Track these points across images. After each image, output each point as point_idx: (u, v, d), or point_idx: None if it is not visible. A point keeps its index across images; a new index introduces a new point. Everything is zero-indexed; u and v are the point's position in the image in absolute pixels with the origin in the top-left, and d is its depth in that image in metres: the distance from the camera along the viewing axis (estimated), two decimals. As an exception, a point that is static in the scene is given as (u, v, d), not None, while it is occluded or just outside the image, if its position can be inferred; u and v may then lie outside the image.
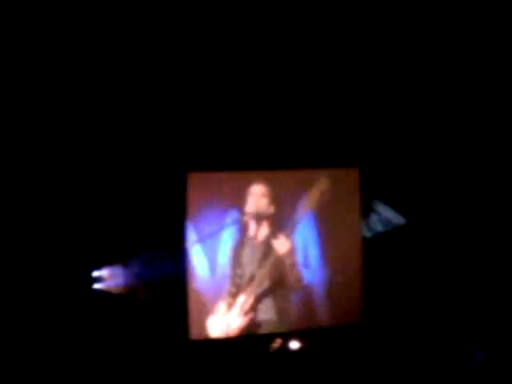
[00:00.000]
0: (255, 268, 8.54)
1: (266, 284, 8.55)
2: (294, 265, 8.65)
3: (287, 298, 8.61)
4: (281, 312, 8.56)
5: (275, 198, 8.62)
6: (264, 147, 8.62)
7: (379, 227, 8.96)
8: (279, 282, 8.59)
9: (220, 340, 8.36)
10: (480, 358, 8.30)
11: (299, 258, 8.68)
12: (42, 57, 7.81)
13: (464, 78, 8.78)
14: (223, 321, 8.37)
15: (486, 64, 8.69)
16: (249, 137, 8.59)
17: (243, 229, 8.54)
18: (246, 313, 8.43)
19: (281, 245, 8.62)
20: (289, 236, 8.65)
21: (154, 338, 8.19)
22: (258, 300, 8.50)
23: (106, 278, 8.23)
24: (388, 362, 8.47)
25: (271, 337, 8.47)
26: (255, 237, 8.58)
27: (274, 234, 8.61)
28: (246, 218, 8.52)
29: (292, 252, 8.66)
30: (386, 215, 8.96)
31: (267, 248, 8.59)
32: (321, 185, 8.73)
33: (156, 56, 8.18)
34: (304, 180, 8.79)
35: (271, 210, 8.59)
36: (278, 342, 8.41)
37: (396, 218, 8.95)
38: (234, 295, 8.42)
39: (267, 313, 8.53)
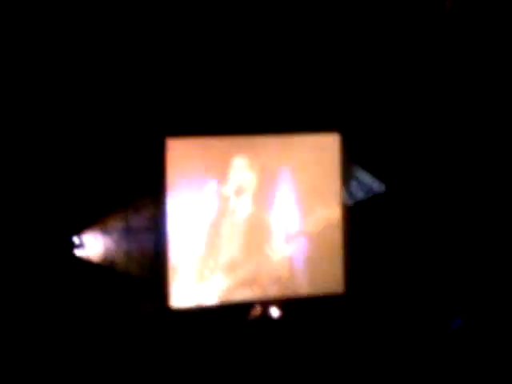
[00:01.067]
0: (234, 239, 8.47)
1: (244, 254, 8.49)
2: (274, 235, 8.60)
3: (267, 268, 8.56)
4: (261, 281, 8.52)
5: (256, 168, 8.53)
6: (245, 112, 8.51)
7: (360, 194, 8.91)
8: (259, 252, 8.54)
9: (199, 309, 8.30)
10: (459, 324, 8.37)
11: (280, 227, 8.62)
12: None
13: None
14: (202, 290, 8.32)
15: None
16: (229, 101, 8.46)
17: (223, 201, 8.44)
18: (225, 282, 8.39)
19: (262, 216, 8.55)
20: (270, 206, 8.57)
21: (133, 307, 8.13)
22: (237, 269, 8.45)
23: (86, 244, 8.11)
24: (371, 332, 8.51)
25: (251, 305, 8.42)
26: (235, 210, 8.48)
27: (255, 205, 8.54)
28: (226, 191, 8.42)
29: (273, 222, 8.61)
30: (367, 182, 8.91)
31: (248, 220, 8.52)
32: (302, 150, 8.65)
33: (135, 21, 8.03)
34: (285, 145, 8.67)
35: (253, 182, 8.51)
36: (257, 310, 8.37)
37: (377, 185, 8.91)
38: (212, 265, 8.36)
39: (246, 282, 8.48)
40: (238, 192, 8.48)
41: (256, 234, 8.58)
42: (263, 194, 8.56)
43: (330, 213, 8.77)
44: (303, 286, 8.65)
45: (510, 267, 8.70)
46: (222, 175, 8.47)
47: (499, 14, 8.62)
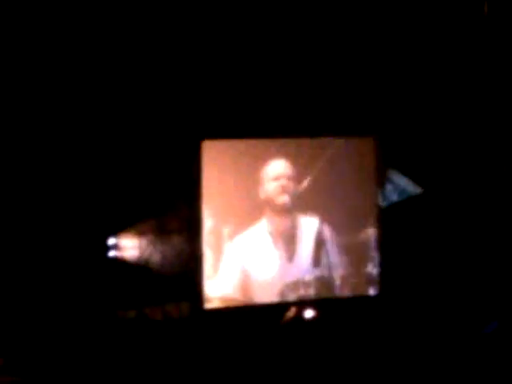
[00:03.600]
0: (269, 241, 8.52)
1: (278, 255, 8.52)
2: (309, 237, 8.60)
3: (303, 270, 8.56)
4: (299, 283, 8.51)
5: (292, 172, 8.54)
6: (279, 115, 8.52)
7: (395, 197, 8.87)
8: (294, 254, 8.55)
9: (234, 309, 8.30)
10: (494, 328, 8.26)
11: (316, 229, 8.61)
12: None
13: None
14: (236, 291, 8.34)
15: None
16: (265, 104, 8.49)
17: (258, 204, 8.48)
18: (260, 284, 8.41)
19: (297, 219, 8.57)
20: (305, 209, 8.58)
21: (168, 308, 8.16)
22: (272, 272, 8.47)
23: (121, 246, 8.18)
24: (404, 334, 8.42)
25: (286, 306, 8.39)
26: (270, 213, 8.50)
27: (290, 208, 8.54)
28: (261, 194, 8.47)
29: (308, 225, 8.61)
30: (402, 184, 8.87)
31: (283, 223, 8.55)
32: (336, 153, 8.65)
33: (166, 24, 8.12)
34: (321, 149, 8.67)
35: (289, 186, 8.51)
36: (292, 311, 8.33)
37: (411, 188, 8.86)
38: (246, 267, 8.41)
39: (281, 284, 8.49)
40: (274, 195, 8.48)
41: (291, 236, 8.57)
42: (298, 198, 8.54)
43: (366, 215, 8.75)
44: (338, 288, 8.62)
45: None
46: (256, 178, 8.48)
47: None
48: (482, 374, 7.76)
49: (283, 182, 8.45)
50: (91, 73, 8.01)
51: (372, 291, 8.72)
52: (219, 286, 8.29)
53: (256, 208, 8.45)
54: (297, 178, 8.52)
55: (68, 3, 7.76)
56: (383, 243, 8.74)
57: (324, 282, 8.57)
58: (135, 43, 8.08)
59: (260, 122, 8.46)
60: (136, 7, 7.97)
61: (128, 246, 8.22)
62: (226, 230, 8.33)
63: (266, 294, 8.44)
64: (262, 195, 8.45)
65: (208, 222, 8.26)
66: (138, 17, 8.01)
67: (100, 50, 7.99)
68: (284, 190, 8.45)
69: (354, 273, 8.66)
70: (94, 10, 7.84)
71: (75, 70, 7.95)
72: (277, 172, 8.48)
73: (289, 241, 8.54)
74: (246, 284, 8.38)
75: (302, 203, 8.54)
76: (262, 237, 8.48)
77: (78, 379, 7.52)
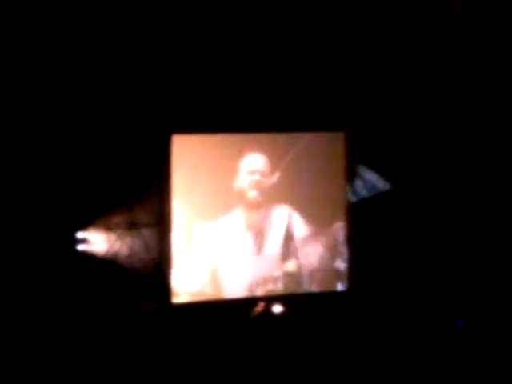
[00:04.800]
0: (238, 236, 8.54)
1: (248, 251, 8.54)
2: (279, 232, 8.63)
3: (271, 265, 8.58)
4: (267, 277, 8.53)
5: (263, 166, 8.55)
6: (251, 109, 8.51)
7: (364, 192, 8.90)
8: (263, 249, 8.58)
9: (202, 304, 8.30)
10: (461, 323, 8.35)
11: (285, 224, 8.64)
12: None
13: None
14: (205, 286, 8.34)
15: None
16: (235, 99, 8.47)
17: (228, 198, 8.48)
18: (228, 279, 8.43)
19: (266, 213, 8.58)
20: (274, 204, 8.61)
21: (136, 302, 8.15)
22: (241, 267, 8.49)
23: (90, 240, 8.14)
24: (374, 329, 8.50)
25: (254, 301, 8.41)
26: (240, 207, 8.51)
27: (260, 203, 8.55)
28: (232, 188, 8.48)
29: (277, 220, 8.63)
30: (371, 180, 8.90)
31: (252, 218, 8.56)
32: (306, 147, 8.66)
33: (139, 18, 8.05)
34: (292, 144, 8.67)
35: (259, 180, 8.53)
36: (260, 306, 8.35)
37: (381, 183, 8.89)
38: (216, 262, 8.41)
39: (249, 279, 8.51)
40: (246, 189, 8.48)
41: (260, 231, 8.58)
42: (268, 192, 8.55)
43: (335, 210, 8.77)
44: (307, 283, 8.65)
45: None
46: (230, 171, 8.48)
47: (506, 15, 8.60)
48: (449, 367, 7.88)
49: (257, 176, 8.47)
50: (60, 64, 7.92)
51: (340, 286, 8.75)
52: (188, 281, 8.28)
53: (227, 202, 8.45)
54: (269, 173, 8.53)
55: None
56: (352, 238, 8.75)
57: (292, 277, 8.60)
58: (106, 36, 8.00)
59: (232, 116, 8.45)
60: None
61: (97, 240, 8.18)
62: (196, 224, 8.31)
63: (234, 288, 8.45)
64: (236, 188, 8.45)
65: (179, 217, 8.25)
66: (105, 11, 7.93)
67: (69, 43, 7.90)
68: (257, 184, 8.46)
69: (322, 268, 8.68)
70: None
71: (42, 63, 7.87)
72: (252, 166, 8.49)
73: (259, 235, 8.57)
74: (215, 278, 8.39)
75: (272, 197, 8.56)
76: (232, 230, 8.48)
77: (44, 373, 7.53)
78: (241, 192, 8.48)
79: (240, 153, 8.51)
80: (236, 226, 8.48)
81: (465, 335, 8.34)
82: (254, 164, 8.52)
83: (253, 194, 8.48)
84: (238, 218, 8.49)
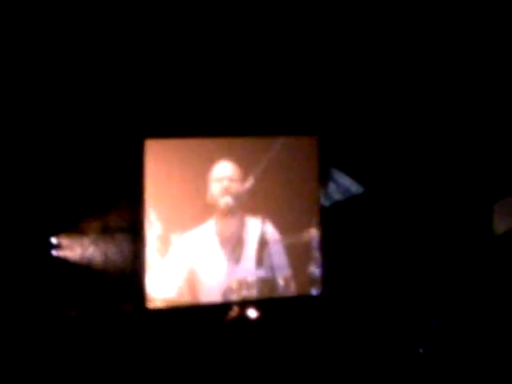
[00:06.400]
0: (213, 241, 8.50)
1: (222, 255, 8.51)
2: (252, 237, 8.63)
3: (245, 270, 8.57)
4: (242, 284, 8.52)
5: (236, 171, 8.54)
6: (224, 114, 8.52)
7: (337, 196, 8.94)
8: (237, 253, 8.56)
9: (177, 309, 8.28)
10: (434, 326, 8.42)
11: (258, 228, 8.63)
12: None
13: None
14: (179, 291, 8.31)
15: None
16: (209, 103, 8.47)
17: (202, 204, 8.45)
18: (203, 284, 8.40)
19: (240, 218, 8.58)
20: (248, 209, 8.59)
21: (111, 307, 8.12)
22: (215, 271, 8.46)
23: (64, 245, 8.11)
24: (346, 334, 8.53)
25: (228, 306, 8.42)
26: (214, 213, 8.48)
27: (233, 208, 8.52)
28: (206, 193, 8.47)
29: (251, 225, 8.64)
30: (345, 184, 8.94)
31: (226, 223, 8.54)
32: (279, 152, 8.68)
33: (106, 19, 8.03)
34: (264, 149, 8.67)
35: (232, 186, 8.51)
36: (235, 311, 8.36)
37: (354, 187, 8.94)
38: (190, 267, 8.39)
39: (223, 284, 8.48)
40: (217, 197, 8.47)
41: (237, 238, 8.58)
42: (243, 198, 8.54)
43: (308, 215, 8.79)
44: (281, 288, 8.65)
45: (488, 269, 8.75)
46: (202, 179, 8.46)
47: (484, 16, 8.68)
48: (423, 372, 7.92)
49: (225, 183, 8.44)
50: (30, 67, 7.88)
51: (314, 291, 8.76)
52: (163, 287, 8.26)
53: (203, 209, 8.43)
54: (241, 179, 8.53)
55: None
56: (325, 243, 8.78)
57: (267, 282, 8.59)
58: (78, 39, 7.97)
59: (205, 121, 8.44)
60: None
61: (70, 245, 8.14)
62: (172, 231, 8.30)
63: (209, 295, 8.41)
64: (208, 197, 8.44)
65: (153, 223, 8.23)
66: (78, 11, 7.90)
67: (41, 44, 7.87)
68: (227, 191, 8.45)
69: (296, 273, 8.68)
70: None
71: (15, 64, 7.83)
72: (220, 174, 8.46)
73: (234, 242, 8.54)
74: (190, 285, 8.35)
75: (246, 204, 8.54)
76: (208, 238, 8.46)
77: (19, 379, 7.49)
78: (213, 199, 8.46)
79: (210, 160, 8.48)
80: (212, 233, 8.46)
81: (438, 337, 8.39)
82: (222, 171, 8.49)
83: (224, 200, 8.46)
84: (215, 225, 8.47)
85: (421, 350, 8.31)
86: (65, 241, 8.12)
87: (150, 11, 8.11)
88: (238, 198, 8.49)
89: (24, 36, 7.76)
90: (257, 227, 8.59)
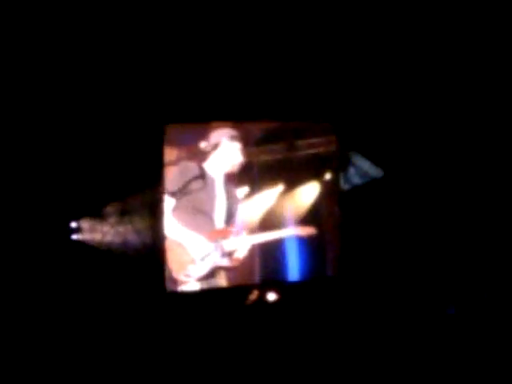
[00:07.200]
0: (230, 223, 8.54)
1: (241, 238, 8.55)
2: (270, 219, 8.67)
3: (263, 252, 8.61)
4: (257, 265, 8.57)
5: (249, 154, 8.59)
6: (241, 99, 8.54)
7: (356, 179, 8.94)
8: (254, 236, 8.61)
9: (196, 293, 8.33)
10: (451, 312, 8.40)
11: (275, 211, 8.68)
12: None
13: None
14: (199, 273, 8.35)
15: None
16: (227, 89, 8.50)
17: (218, 185, 8.49)
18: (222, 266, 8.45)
19: (256, 200, 8.64)
20: (264, 190, 8.67)
21: (130, 290, 8.18)
22: (234, 254, 8.49)
23: (84, 229, 8.18)
24: (364, 316, 8.52)
25: (248, 288, 8.45)
26: (228, 194, 8.53)
27: (248, 189, 8.60)
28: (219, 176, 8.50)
29: (267, 206, 8.68)
30: (364, 167, 8.93)
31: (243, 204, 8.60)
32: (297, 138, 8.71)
33: (130, 13, 8.03)
34: (280, 133, 8.73)
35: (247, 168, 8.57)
36: (254, 294, 8.40)
37: (374, 170, 8.93)
38: (208, 250, 8.41)
39: (242, 266, 8.52)
40: (231, 176, 8.52)
41: (251, 217, 8.63)
42: (255, 179, 8.62)
43: (326, 197, 8.81)
44: (296, 270, 8.70)
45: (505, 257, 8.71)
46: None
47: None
48: (440, 355, 7.88)
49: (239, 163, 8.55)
50: (49, 58, 7.93)
51: (332, 273, 8.81)
52: (182, 268, 8.30)
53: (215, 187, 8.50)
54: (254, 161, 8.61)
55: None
56: (344, 225, 8.79)
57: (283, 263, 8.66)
58: (96, 29, 7.99)
59: (222, 106, 8.48)
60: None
61: (90, 229, 8.21)
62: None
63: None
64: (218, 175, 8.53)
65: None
66: (97, 7, 7.94)
67: (57, 37, 7.90)
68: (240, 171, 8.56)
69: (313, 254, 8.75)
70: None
71: (31, 59, 7.89)
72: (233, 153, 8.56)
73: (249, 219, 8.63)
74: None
75: (259, 184, 8.64)
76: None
77: (40, 361, 7.56)
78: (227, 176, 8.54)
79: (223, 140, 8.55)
80: (226, 211, 8.51)
81: (456, 323, 8.35)
82: (235, 150, 8.56)
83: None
84: (228, 202, 8.54)
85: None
86: (85, 224, 8.19)
87: (173, 4, 8.18)
88: (250, 178, 8.59)
89: (39, 29, 7.83)
90: (274, 207, 8.67)
